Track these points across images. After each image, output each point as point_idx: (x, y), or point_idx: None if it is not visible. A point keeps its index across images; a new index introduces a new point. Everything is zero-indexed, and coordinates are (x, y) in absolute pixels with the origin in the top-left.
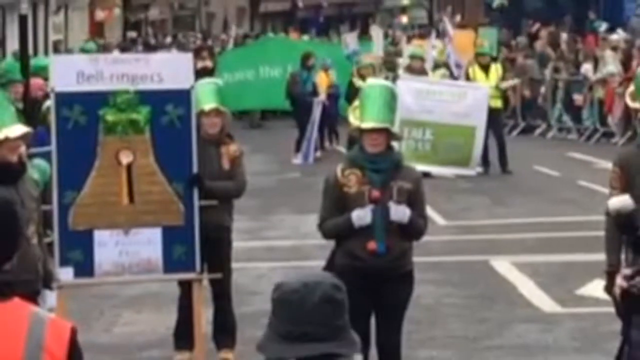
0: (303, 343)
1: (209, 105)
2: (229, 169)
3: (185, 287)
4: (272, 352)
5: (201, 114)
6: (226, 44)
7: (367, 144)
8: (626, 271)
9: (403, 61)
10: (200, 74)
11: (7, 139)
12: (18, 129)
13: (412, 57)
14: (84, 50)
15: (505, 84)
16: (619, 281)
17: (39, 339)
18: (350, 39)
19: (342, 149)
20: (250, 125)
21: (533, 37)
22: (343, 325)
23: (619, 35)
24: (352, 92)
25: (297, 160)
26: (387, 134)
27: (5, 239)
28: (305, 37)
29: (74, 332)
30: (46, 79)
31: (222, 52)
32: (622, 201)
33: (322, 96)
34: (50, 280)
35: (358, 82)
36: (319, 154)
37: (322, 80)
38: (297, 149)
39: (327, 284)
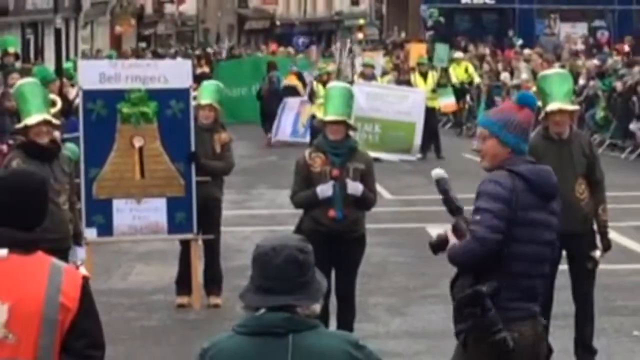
0: (269, 295)
1: (205, 101)
2: (220, 152)
3: (185, 245)
4: (248, 301)
5: (198, 107)
6: (220, 53)
7: (329, 133)
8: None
9: (357, 69)
10: (200, 78)
11: (28, 127)
12: (35, 118)
13: (365, 65)
14: (108, 57)
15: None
16: None
17: (57, 283)
18: (313, 52)
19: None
20: None
21: (463, 51)
22: (306, 281)
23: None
24: (313, 94)
25: (278, 137)
26: (345, 125)
27: (40, 209)
28: (282, 49)
29: (85, 279)
30: (68, 78)
31: (215, 58)
32: (438, 173)
33: (302, 94)
34: (80, 239)
35: (317, 85)
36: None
37: (292, 80)
38: (267, 131)
39: (292, 247)
